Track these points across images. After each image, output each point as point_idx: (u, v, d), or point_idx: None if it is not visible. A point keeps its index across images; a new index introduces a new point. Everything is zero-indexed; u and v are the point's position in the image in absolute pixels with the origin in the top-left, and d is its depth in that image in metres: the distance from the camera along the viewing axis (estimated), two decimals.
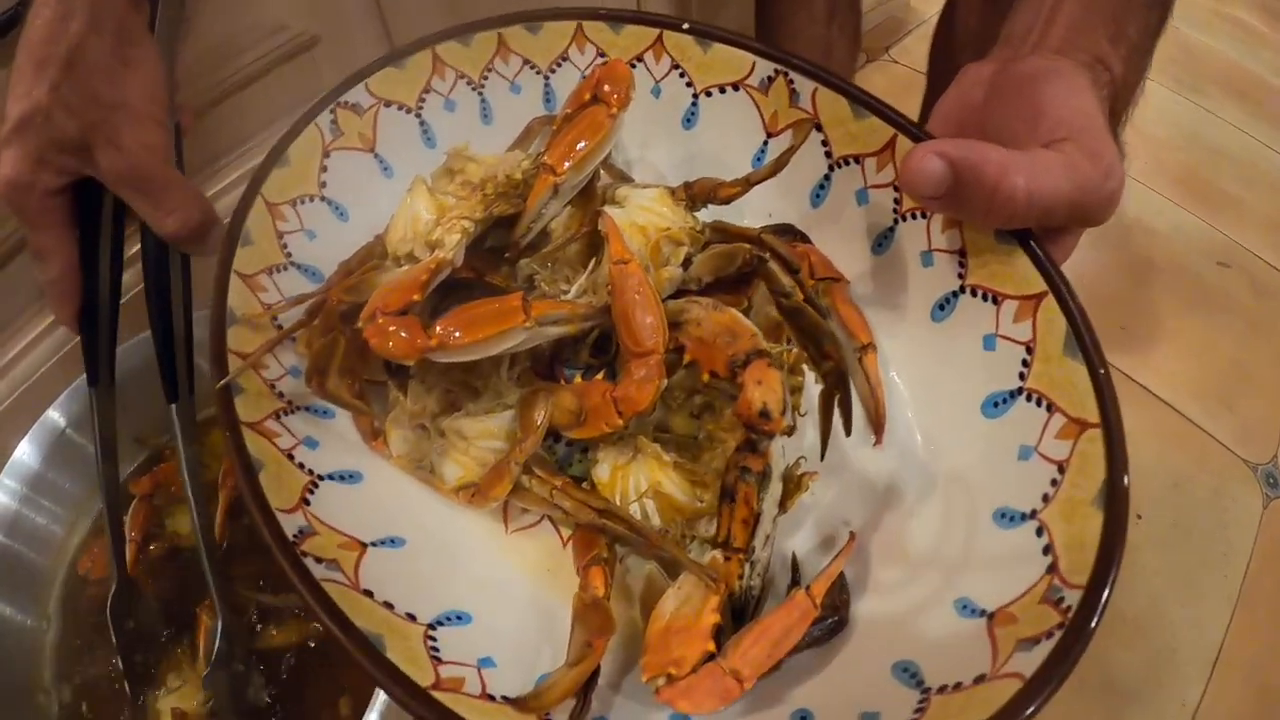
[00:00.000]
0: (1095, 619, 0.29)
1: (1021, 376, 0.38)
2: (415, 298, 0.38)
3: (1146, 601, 1.05)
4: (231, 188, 0.68)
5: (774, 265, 0.38)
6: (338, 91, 0.46)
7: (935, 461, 0.40)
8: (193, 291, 0.51)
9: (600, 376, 0.41)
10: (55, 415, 0.57)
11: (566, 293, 0.40)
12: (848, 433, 0.40)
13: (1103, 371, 0.35)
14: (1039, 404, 0.37)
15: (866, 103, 0.42)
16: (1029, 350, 0.38)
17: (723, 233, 0.41)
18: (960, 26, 0.93)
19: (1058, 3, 0.41)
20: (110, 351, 0.50)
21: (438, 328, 0.36)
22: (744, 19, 1.08)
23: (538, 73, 0.50)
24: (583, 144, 0.40)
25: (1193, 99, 1.89)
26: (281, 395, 0.40)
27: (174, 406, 0.50)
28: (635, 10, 0.56)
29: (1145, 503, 1.13)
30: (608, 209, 0.40)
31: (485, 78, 0.50)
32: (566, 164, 0.40)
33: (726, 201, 0.42)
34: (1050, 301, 0.37)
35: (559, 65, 0.50)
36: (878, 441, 0.41)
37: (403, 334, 0.36)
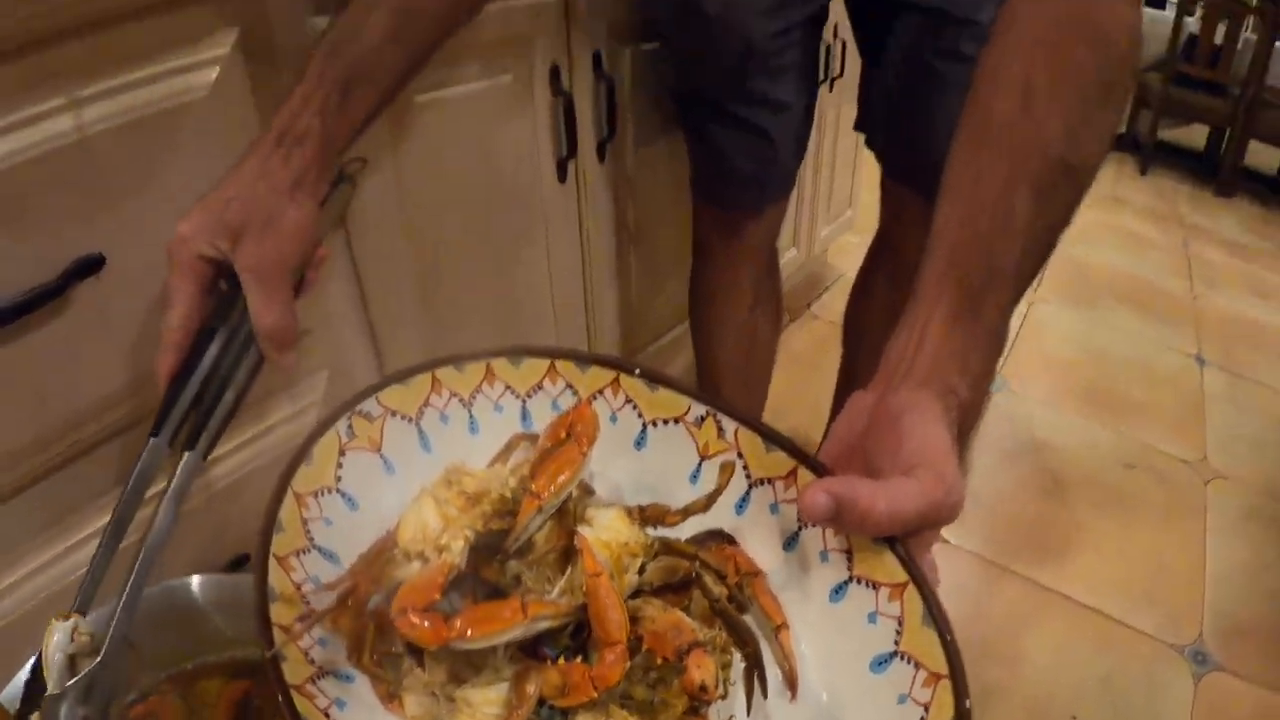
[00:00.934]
0: None
1: (895, 642, 0.50)
2: (436, 597, 0.50)
3: None
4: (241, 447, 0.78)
5: (706, 576, 0.52)
6: (354, 402, 0.57)
7: (837, 710, 0.52)
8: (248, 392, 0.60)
9: (578, 659, 0.53)
10: None
11: (549, 592, 0.53)
12: (764, 696, 0.53)
13: (949, 637, 0.48)
14: (908, 662, 0.49)
15: (775, 440, 0.56)
16: (899, 623, 0.50)
17: (668, 548, 0.54)
18: (867, 305, 1.12)
19: (920, 344, 0.56)
20: (177, 414, 0.58)
21: (457, 623, 0.48)
22: (679, 312, 1.27)
23: (517, 396, 0.64)
24: (562, 476, 0.53)
25: (1090, 313, 2.12)
26: (313, 662, 0.49)
27: (153, 439, 0.57)
28: (597, 354, 0.71)
29: (1080, 703, 1.21)
30: (580, 528, 0.53)
31: (474, 398, 0.63)
32: (548, 491, 0.53)
33: (670, 526, 0.56)
34: (911, 588, 0.50)
35: (535, 392, 0.64)
36: (793, 697, 0.53)
37: (429, 626, 0.48)
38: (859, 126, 1.03)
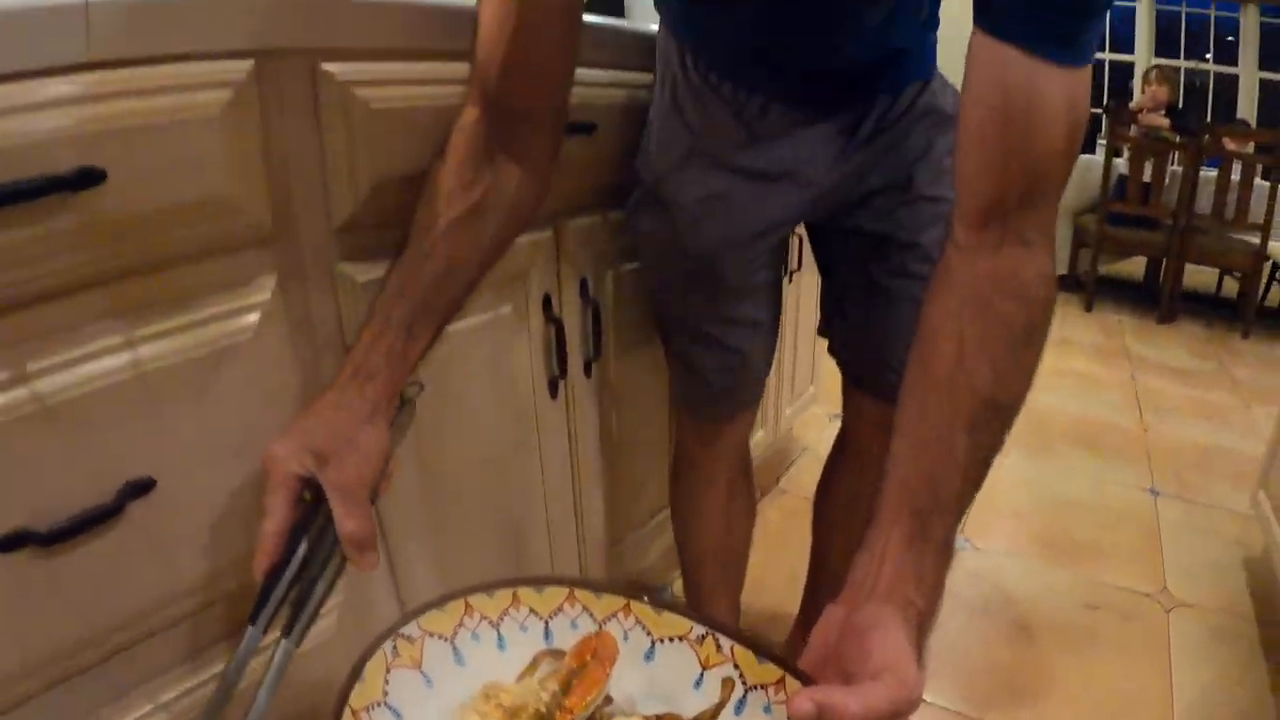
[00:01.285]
0: None
1: None
2: None
3: None
4: None
5: None
6: (398, 626, 0.66)
7: None
8: (333, 587, 0.68)
9: None
10: None
11: None
12: None
13: None
14: None
15: (765, 652, 0.67)
16: None
17: None
18: (834, 495, 1.22)
19: (880, 564, 0.63)
20: (271, 607, 0.66)
21: None
22: (659, 499, 1.37)
23: (540, 618, 0.72)
24: (590, 695, 0.65)
25: (1046, 461, 2.24)
26: None
27: (250, 629, 0.65)
28: (610, 582, 0.83)
29: None
30: None
31: (502, 619, 0.71)
32: (580, 706, 0.65)
33: None
34: None
35: (556, 614, 0.72)
36: None
37: None
38: (822, 332, 1.14)
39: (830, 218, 1.02)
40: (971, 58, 0.64)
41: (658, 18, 1.02)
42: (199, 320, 0.68)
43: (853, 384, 1.12)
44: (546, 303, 1.03)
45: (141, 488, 0.66)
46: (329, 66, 0.73)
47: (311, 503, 0.68)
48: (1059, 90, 0.61)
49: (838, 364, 1.13)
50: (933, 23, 0.95)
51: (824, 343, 1.17)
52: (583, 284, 1.09)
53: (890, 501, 0.65)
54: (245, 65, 0.67)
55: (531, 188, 0.80)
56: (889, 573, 0.63)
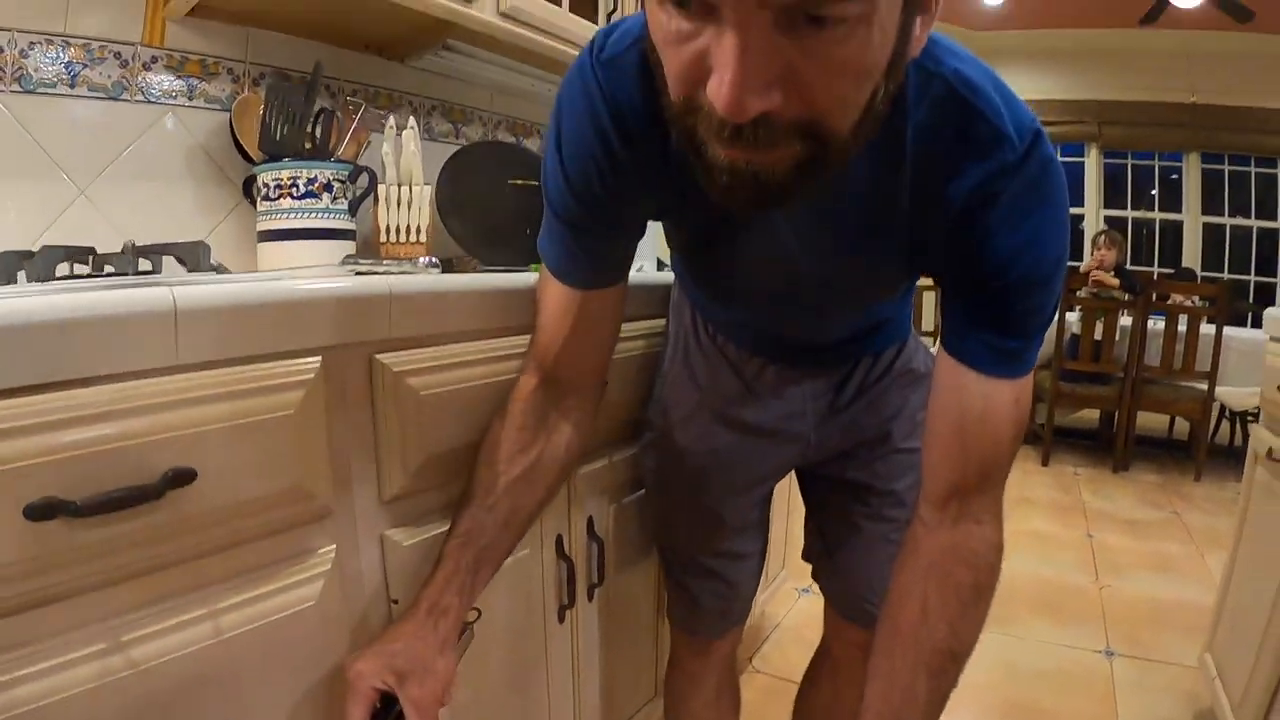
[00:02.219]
0: None
1: None
2: None
3: None
4: None
5: None
6: None
7: None
8: None
9: None
10: None
11: None
12: None
13: None
14: None
15: None
16: None
17: None
18: (813, 703, 1.33)
19: None
20: None
21: None
22: (647, 692, 1.48)
23: None
24: None
25: (1005, 631, 2.35)
26: None
27: None
28: None
29: None
30: None
31: None
32: None
33: None
34: None
35: None
36: None
37: None
38: (806, 558, 1.28)
39: (817, 465, 1.15)
40: (938, 371, 0.82)
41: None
42: (270, 591, 0.79)
43: (833, 608, 1.25)
44: (559, 543, 1.16)
45: None
46: (383, 357, 0.88)
47: (381, 709, 0.81)
48: (1007, 395, 0.78)
49: (820, 589, 1.26)
50: (909, 293, 1.10)
51: (797, 529, 1.30)
52: (590, 522, 1.23)
53: None
54: (314, 363, 0.80)
55: (578, 443, 0.96)
56: None
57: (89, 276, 0.83)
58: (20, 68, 1.25)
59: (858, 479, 1.13)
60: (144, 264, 1.09)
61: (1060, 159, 0.75)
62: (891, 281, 0.91)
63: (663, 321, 1.21)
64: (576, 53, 1.66)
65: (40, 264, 0.94)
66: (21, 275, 1.03)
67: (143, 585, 0.69)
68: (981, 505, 0.82)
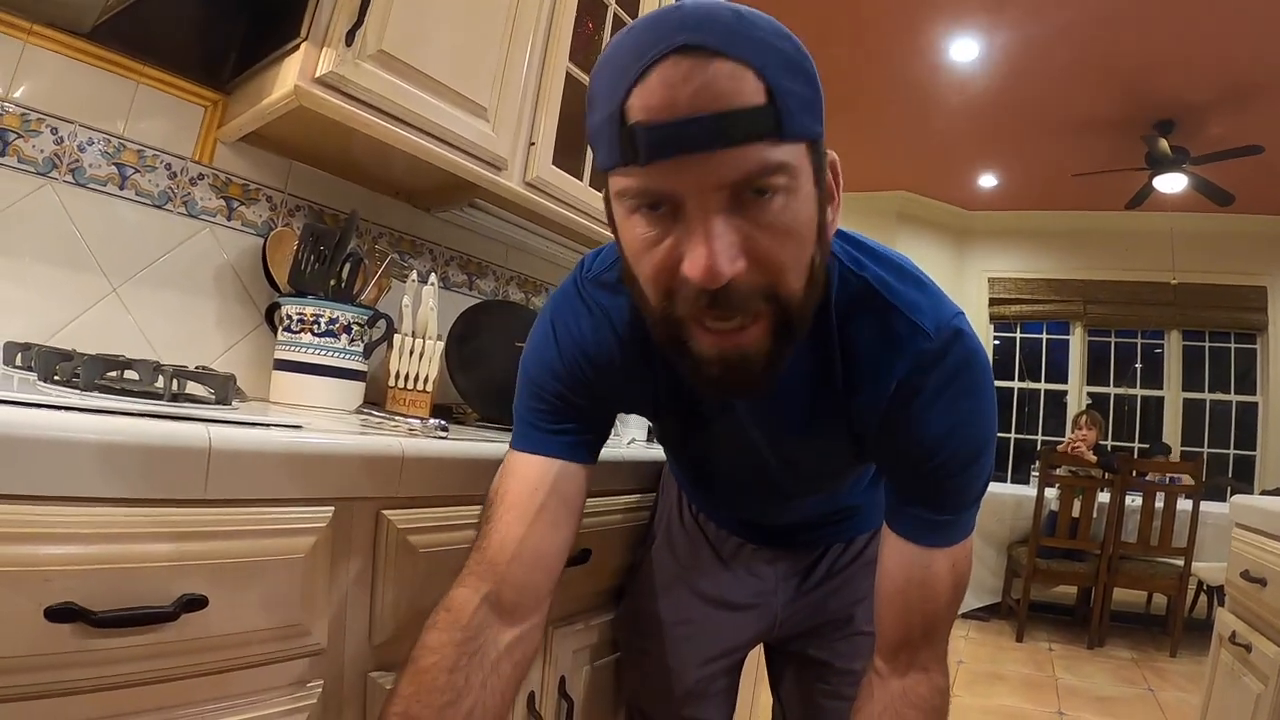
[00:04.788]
0: None
1: None
2: None
3: None
4: None
5: None
6: None
7: None
8: None
9: None
10: None
11: None
12: None
13: None
14: None
15: None
16: None
17: None
18: None
19: None
20: None
21: None
22: None
23: None
24: None
25: None
26: None
27: None
28: None
29: None
30: None
31: None
32: None
33: None
34: None
35: None
36: None
37: None
38: None
39: (783, 642, 1.20)
40: (883, 541, 0.90)
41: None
42: (259, 717, 0.81)
43: None
44: (531, 701, 1.19)
45: None
46: (390, 514, 0.93)
47: None
48: (944, 562, 0.86)
49: None
50: (877, 482, 1.17)
51: (765, 697, 1.33)
52: (562, 681, 1.25)
53: None
54: (327, 512, 0.86)
55: (514, 691, 0.85)
56: None
57: (124, 392, 0.90)
58: (76, 160, 1.30)
59: (819, 656, 1.19)
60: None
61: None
62: (843, 465, 0.99)
63: (652, 495, 1.27)
64: (592, 224, 1.80)
65: (85, 372, 0.93)
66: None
67: (140, 695, 0.72)
68: (928, 656, 0.89)
